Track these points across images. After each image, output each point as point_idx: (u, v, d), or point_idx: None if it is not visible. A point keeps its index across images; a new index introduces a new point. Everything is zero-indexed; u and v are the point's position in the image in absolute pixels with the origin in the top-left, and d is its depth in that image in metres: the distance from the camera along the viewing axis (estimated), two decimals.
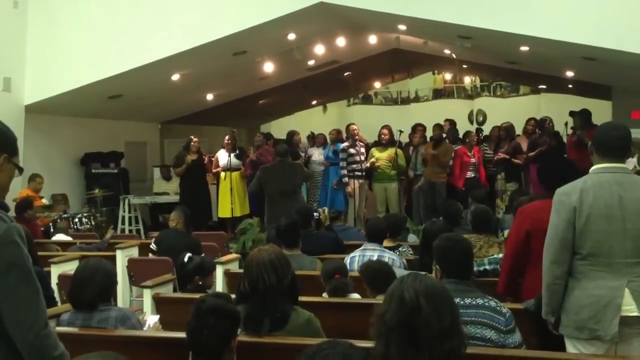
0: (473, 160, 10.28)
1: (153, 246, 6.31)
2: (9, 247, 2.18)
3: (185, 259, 5.08)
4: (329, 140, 10.96)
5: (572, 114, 9.83)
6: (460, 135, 10.96)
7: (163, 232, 6.66)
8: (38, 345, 2.19)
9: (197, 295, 4.24)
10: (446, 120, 11.42)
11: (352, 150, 10.16)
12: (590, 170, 3.22)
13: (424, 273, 2.58)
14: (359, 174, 10.16)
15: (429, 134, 10.70)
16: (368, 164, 10.13)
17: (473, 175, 10.23)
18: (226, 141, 10.26)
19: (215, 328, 2.70)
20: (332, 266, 4.37)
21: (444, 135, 10.34)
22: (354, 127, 10.45)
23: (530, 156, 9.58)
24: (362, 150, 10.30)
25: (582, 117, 9.42)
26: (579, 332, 3.09)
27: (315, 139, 11.41)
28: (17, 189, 8.57)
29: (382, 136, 10.29)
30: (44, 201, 9.28)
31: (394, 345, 2.16)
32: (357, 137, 10.30)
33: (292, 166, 8.86)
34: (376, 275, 4.12)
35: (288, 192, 8.49)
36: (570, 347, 3.16)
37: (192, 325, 2.75)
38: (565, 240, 3.12)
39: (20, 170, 2.41)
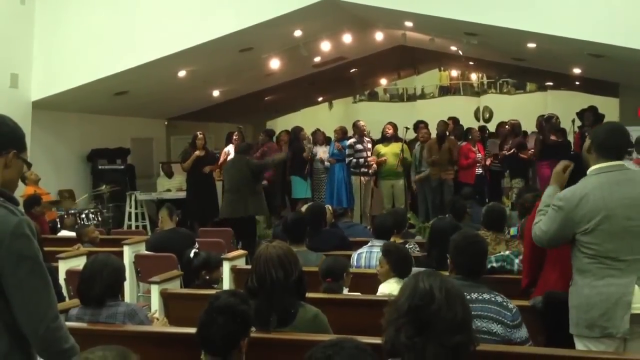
0: (479, 155, 10.31)
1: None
2: (20, 240, 2.19)
3: (192, 255, 5.10)
4: (333, 138, 10.97)
5: (581, 112, 9.80)
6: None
7: (152, 238, 6.50)
8: (49, 338, 2.20)
9: (204, 291, 4.26)
10: (450, 118, 11.42)
11: (359, 146, 10.21)
12: (588, 172, 3.23)
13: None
14: (365, 170, 10.19)
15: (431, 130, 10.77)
16: (374, 162, 10.13)
17: (481, 172, 10.26)
18: (235, 137, 10.33)
19: (222, 327, 2.69)
20: (325, 267, 4.20)
21: (448, 132, 10.38)
22: (362, 123, 10.56)
23: (537, 153, 9.57)
24: (369, 146, 10.35)
25: (593, 114, 9.36)
26: (589, 331, 3.10)
27: (316, 137, 11.37)
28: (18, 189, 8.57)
29: (387, 130, 10.40)
30: (51, 196, 9.31)
31: (403, 332, 2.16)
32: (364, 133, 10.40)
33: (239, 161, 8.64)
34: (404, 259, 4.17)
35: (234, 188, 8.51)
36: (580, 346, 3.16)
37: (202, 319, 2.75)
38: (553, 241, 3.26)
39: (29, 165, 2.43)
